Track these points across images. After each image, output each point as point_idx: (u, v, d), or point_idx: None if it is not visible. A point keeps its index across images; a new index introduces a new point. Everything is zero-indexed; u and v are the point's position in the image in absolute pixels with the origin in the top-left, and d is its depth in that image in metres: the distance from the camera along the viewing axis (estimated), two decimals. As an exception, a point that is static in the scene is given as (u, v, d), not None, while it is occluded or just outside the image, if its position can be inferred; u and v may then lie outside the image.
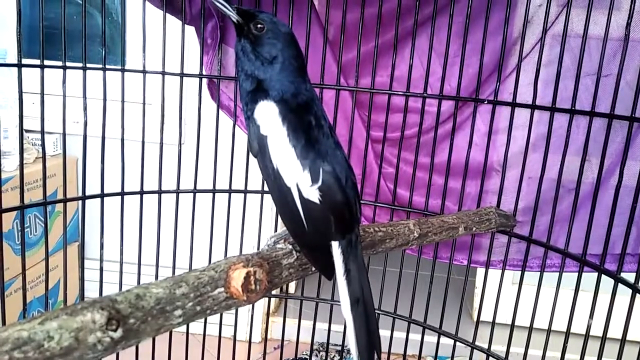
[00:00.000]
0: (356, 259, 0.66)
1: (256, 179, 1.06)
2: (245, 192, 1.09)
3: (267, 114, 0.64)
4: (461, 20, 1.04)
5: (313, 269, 0.69)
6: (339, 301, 1.11)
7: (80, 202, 1.00)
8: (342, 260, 0.66)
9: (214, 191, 1.08)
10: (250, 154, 0.67)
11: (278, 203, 0.65)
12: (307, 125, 0.65)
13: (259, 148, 0.65)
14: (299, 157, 0.63)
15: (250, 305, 1.27)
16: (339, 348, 1.60)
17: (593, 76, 1.05)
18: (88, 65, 0.96)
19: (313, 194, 0.63)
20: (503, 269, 1.04)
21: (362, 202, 1.13)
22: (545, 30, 0.95)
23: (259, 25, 0.66)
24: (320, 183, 0.63)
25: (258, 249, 1.11)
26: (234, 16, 0.66)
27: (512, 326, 1.02)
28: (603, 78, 1.02)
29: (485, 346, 1.04)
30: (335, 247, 0.66)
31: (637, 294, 0.84)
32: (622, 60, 0.86)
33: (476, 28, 1.07)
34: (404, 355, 1.13)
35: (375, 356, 0.67)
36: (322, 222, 0.64)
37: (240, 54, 0.67)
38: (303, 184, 0.63)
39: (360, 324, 0.65)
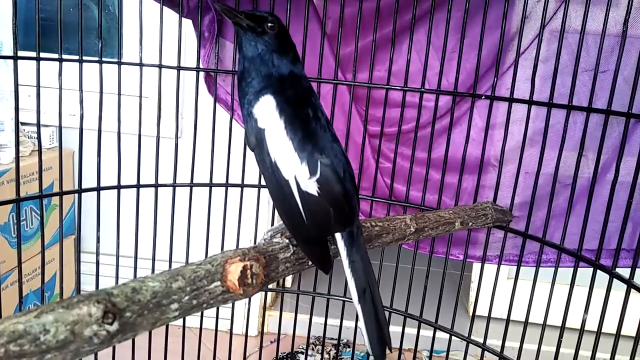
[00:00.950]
0: (359, 250, 0.67)
1: (253, 173, 1.06)
2: (242, 186, 1.09)
3: (266, 107, 0.64)
4: (459, 15, 1.04)
5: (309, 263, 0.69)
6: (335, 295, 1.12)
7: (76, 195, 1.00)
8: (345, 252, 0.66)
9: (210, 185, 1.08)
10: (248, 148, 0.67)
11: (276, 196, 0.66)
12: (304, 117, 0.65)
13: (256, 142, 0.65)
14: (296, 150, 0.63)
15: (247, 299, 1.27)
16: (335, 342, 1.60)
17: (590, 72, 1.05)
18: (84, 57, 0.95)
19: (311, 187, 0.63)
20: (499, 264, 1.04)
21: (359, 196, 1.13)
22: (543, 26, 0.95)
23: (270, 25, 0.66)
24: (318, 175, 0.63)
25: (255, 243, 1.11)
26: (245, 22, 0.65)
27: (508, 321, 1.02)
28: (600, 74, 1.02)
29: (481, 340, 1.05)
30: (339, 239, 0.67)
31: (632, 290, 0.84)
32: (619, 56, 0.86)
33: (474, 23, 1.07)
34: (400, 349, 1.13)
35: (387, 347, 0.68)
36: (321, 214, 0.64)
37: (256, 57, 0.66)
38: (301, 176, 0.63)
39: (369, 314, 0.66)
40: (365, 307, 0.66)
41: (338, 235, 0.67)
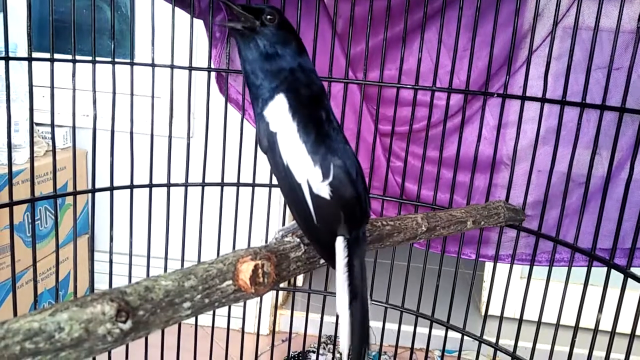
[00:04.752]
0: (360, 255, 0.65)
1: (264, 172, 1.06)
2: (253, 185, 1.10)
3: (278, 109, 0.63)
4: (471, 13, 1.03)
5: (321, 262, 0.69)
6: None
7: (90, 194, 1.01)
8: (345, 255, 0.64)
9: (222, 184, 1.09)
10: (259, 149, 0.67)
11: (288, 199, 0.65)
12: (318, 119, 0.64)
13: (268, 144, 0.64)
14: (309, 153, 0.62)
15: (259, 298, 1.28)
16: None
17: (604, 69, 1.04)
18: (97, 58, 0.96)
19: (324, 190, 0.62)
20: (512, 263, 1.04)
21: (370, 196, 1.13)
22: (555, 23, 0.94)
23: (269, 17, 0.64)
24: (331, 178, 0.62)
25: (266, 242, 1.12)
26: (240, 24, 0.63)
27: (521, 320, 1.02)
28: (614, 71, 1.01)
29: (493, 340, 1.04)
30: (339, 242, 0.64)
31: (647, 289, 0.84)
32: (633, 53, 0.85)
33: (486, 21, 1.06)
34: (412, 348, 1.13)
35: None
36: (331, 218, 0.63)
37: (257, 55, 0.64)
38: (314, 179, 0.62)
39: (357, 320, 0.63)
40: (354, 312, 0.63)
41: (340, 238, 0.64)
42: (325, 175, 0.62)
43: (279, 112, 0.63)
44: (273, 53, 0.64)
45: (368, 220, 0.70)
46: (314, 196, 0.62)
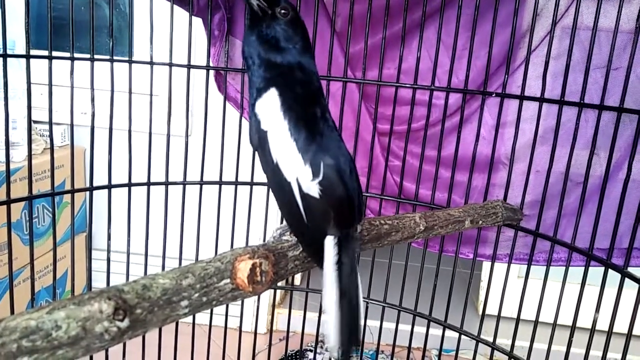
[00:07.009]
0: (350, 254, 0.64)
1: (262, 171, 1.06)
2: (251, 184, 1.10)
3: (269, 106, 0.63)
4: (470, 12, 1.03)
5: (319, 260, 0.69)
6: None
7: (87, 192, 1.01)
8: (335, 253, 0.63)
9: (220, 183, 1.09)
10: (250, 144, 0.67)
11: (278, 197, 0.65)
12: (311, 117, 0.64)
13: (259, 141, 0.63)
14: (300, 151, 0.61)
15: (256, 297, 1.28)
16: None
17: (602, 69, 1.04)
18: (96, 56, 0.96)
19: (313, 189, 0.62)
20: (509, 263, 1.04)
21: (368, 195, 1.14)
22: (554, 23, 0.94)
23: (283, 11, 0.65)
24: (321, 177, 0.62)
25: (264, 240, 1.12)
26: (256, 2, 0.64)
27: (518, 320, 1.02)
28: (613, 71, 1.01)
29: (491, 339, 1.04)
30: (329, 240, 0.64)
31: (644, 289, 0.84)
32: (632, 53, 0.85)
33: (485, 20, 1.06)
34: (409, 347, 1.13)
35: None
36: (321, 217, 0.63)
37: (259, 41, 0.65)
38: (303, 178, 0.62)
39: (345, 318, 0.62)
40: (342, 310, 0.62)
41: (329, 237, 0.64)
42: (315, 174, 0.62)
43: (270, 108, 0.63)
44: (275, 45, 0.65)
45: (362, 219, 0.69)
46: (304, 195, 0.62)
